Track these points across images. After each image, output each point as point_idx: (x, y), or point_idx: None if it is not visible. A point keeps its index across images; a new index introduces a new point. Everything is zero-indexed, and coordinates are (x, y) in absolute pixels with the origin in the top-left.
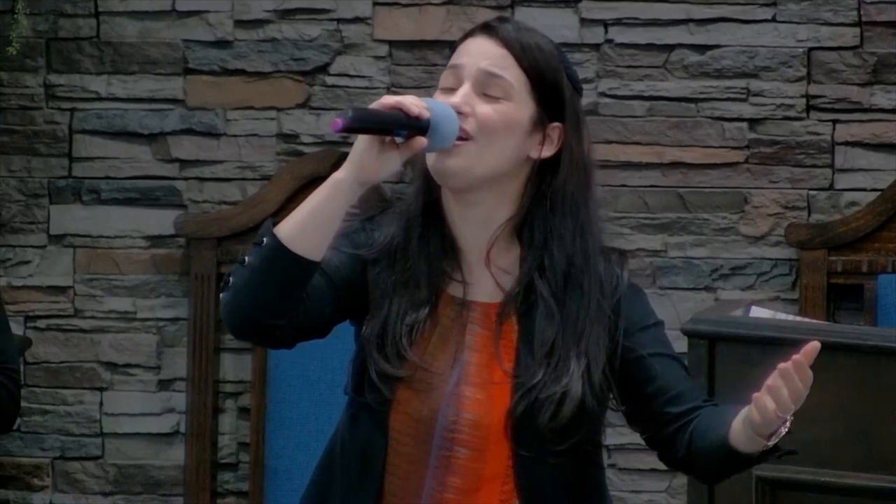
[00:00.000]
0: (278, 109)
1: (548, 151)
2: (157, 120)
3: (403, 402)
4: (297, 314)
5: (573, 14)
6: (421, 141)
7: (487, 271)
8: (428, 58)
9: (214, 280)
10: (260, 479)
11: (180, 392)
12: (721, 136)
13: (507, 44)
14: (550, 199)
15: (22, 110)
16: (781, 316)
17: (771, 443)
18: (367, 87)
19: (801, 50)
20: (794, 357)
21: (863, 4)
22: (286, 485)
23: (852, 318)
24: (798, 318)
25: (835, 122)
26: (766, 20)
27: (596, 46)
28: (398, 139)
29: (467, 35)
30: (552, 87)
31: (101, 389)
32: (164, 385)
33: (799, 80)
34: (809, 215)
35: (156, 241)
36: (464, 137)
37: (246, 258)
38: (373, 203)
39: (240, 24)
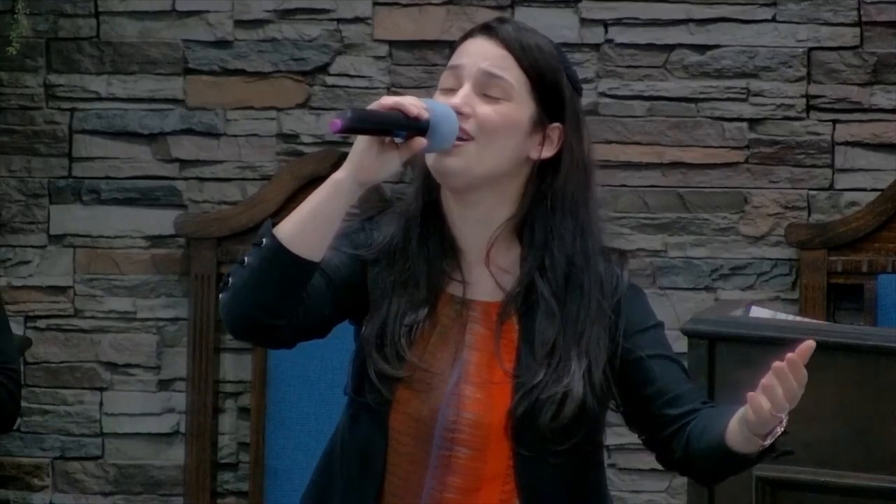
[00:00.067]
0: (278, 109)
1: (548, 152)
2: (157, 120)
3: (403, 402)
4: (297, 314)
5: (573, 14)
6: (420, 141)
7: (487, 271)
8: (428, 58)
9: (214, 280)
10: (260, 479)
11: (180, 392)
12: (721, 136)
13: (507, 44)
14: (551, 199)
15: (22, 110)
16: (781, 316)
17: (767, 442)
18: (367, 88)
19: (801, 50)
20: (789, 356)
21: (863, 4)
22: (286, 485)
23: (852, 318)
24: (798, 318)
25: (835, 122)
26: (766, 20)
27: (596, 46)
28: (398, 139)
29: (467, 35)
30: (552, 88)
31: (101, 389)
32: (164, 385)
33: (799, 80)
34: (809, 215)
35: (156, 241)
36: (464, 138)
37: (245, 259)
38: (373, 203)
39: (240, 24)
